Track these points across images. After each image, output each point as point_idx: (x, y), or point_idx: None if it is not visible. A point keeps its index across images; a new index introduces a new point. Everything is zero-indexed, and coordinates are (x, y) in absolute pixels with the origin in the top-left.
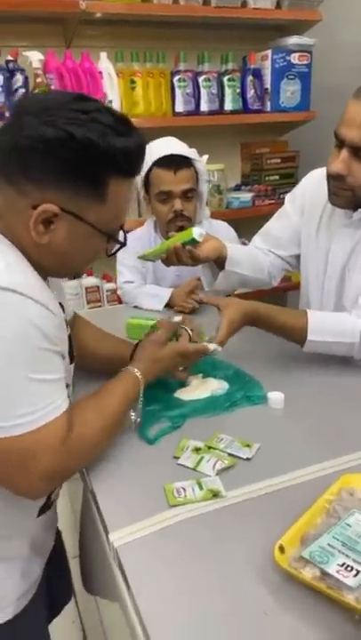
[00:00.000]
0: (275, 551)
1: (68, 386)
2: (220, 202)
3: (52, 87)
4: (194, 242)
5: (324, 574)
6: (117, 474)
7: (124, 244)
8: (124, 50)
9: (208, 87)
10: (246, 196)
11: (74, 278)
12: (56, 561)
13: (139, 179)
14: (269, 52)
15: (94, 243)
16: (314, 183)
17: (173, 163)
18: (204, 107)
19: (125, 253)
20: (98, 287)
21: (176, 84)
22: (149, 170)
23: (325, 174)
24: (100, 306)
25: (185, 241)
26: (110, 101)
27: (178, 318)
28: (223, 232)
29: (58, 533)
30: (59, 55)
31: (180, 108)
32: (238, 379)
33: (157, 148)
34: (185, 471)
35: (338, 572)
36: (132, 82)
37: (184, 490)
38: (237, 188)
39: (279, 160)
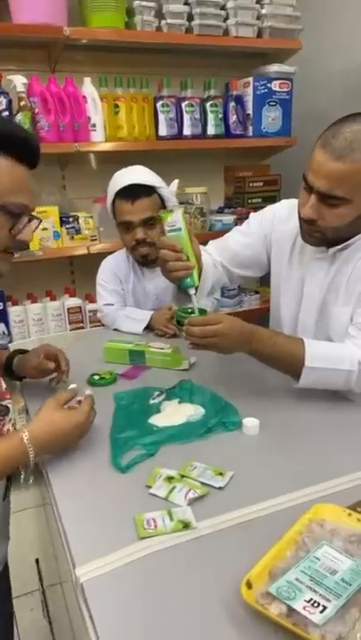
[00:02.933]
0: (242, 587)
1: None
2: (203, 224)
3: (36, 111)
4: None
5: (291, 610)
6: (87, 503)
7: (18, 215)
8: (107, 75)
9: (191, 112)
10: (229, 218)
11: None
12: None
13: (108, 209)
14: (251, 80)
15: None
16: (285, 214)
17: (131, 193)
18: (187, 131)
19: (103, 275)
20: (80, 308)
21: (159, 108)
22: (114, 200)
23: (297, 213)
24: (82, 327)
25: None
26: (94, 125)
27: (88, 391)
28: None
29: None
30: (43, 79)
31: (163, 132)
32: (214, 404)
33: (119, 179)
34: (157, 501)
35: (304, 608)
36: (116, 106)
37: (154, 521)
38: (220, 211)
39: (262, 183)
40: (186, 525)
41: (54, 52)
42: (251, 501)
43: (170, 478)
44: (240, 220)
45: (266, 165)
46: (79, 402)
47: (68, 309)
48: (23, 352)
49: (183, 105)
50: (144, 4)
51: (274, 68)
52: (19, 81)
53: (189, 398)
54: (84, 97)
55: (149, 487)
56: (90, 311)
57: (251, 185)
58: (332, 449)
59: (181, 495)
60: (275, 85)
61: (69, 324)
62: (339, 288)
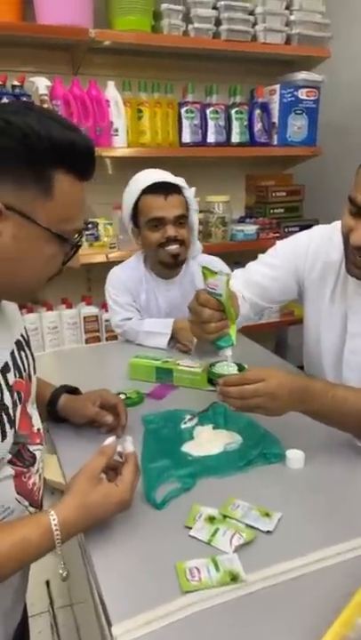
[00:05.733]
0: None
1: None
2: (224, 234)
3: (59, 114)
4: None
5: None
6: (121, 547)
7: (78, 247)
8: (131, 79)
9: (216, 119)
10: (251, 228)
11: (34, 303)
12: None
13: (125, 212)
14: (278, 87)
15: (46, 249)
16: (323, 242)
17: (163, 189)
18: (210, 138)
19: (115, 290)
20: (97, 317)
21: (184, 114)
22: (138, 199)
23: (343, 240)
24: (98, 336)
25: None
26: (116, 130)
27: (129, 445)
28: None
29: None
30: (66, 82)
31: (186, 138)
32: (253, 432)
33: (145, 177)
34: (198, 545)
35: None
36: (140, 111)
37: (198, 571)
38: (242, 221)
39: (284, 193)
40: (234, 578)
41: (78, 54)
42: (304, 549)
43: (211, 519)
44: (262, 230)
45: (289, 175)
46: (120, 454)
47: (85, 318)
48: (70, 390)
49: (208, 111)
50: (172, 7)
51: (301, 75)
52: (41, 83)
53: (224, 424)
54: (107, 101)
55: (189, 528)
56: (106, 320)
57: (273, 195)
58: None
59: (226, 540)
60: (301, 93)
61: (85, 333)
62: None
